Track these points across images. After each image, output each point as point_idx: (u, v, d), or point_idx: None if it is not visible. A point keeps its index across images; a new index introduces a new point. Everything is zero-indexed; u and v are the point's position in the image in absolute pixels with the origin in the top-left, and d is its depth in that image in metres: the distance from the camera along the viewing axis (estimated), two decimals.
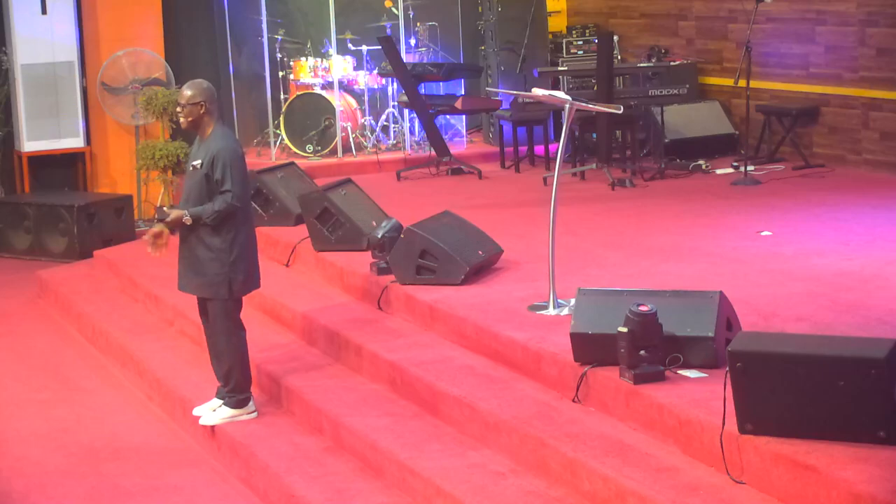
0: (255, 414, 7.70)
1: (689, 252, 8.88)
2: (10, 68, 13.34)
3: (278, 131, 13.65)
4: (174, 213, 7.40)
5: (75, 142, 13.50)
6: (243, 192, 7.41)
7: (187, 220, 7.35)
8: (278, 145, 13.72)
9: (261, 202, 10.46)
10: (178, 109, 7.49)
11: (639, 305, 6.22)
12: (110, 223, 12.58)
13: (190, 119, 7.44)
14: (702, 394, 6.00)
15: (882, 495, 4.86)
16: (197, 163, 7.42)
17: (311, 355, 8.35)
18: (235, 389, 7.65)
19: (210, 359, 7.76)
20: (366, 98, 13.96)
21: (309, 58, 13.78)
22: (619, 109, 8.33)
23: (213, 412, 7.70)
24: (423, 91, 13.08)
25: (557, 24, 14.91)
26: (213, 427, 7.66)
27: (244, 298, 7.73)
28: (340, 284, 9.16)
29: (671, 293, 6.61)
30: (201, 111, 7.41)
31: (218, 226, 7.36)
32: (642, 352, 6.22)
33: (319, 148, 13.49)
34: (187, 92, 7.44)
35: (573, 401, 6.56)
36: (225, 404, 7.68)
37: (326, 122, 13.49)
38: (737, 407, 5.48)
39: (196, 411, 7.81)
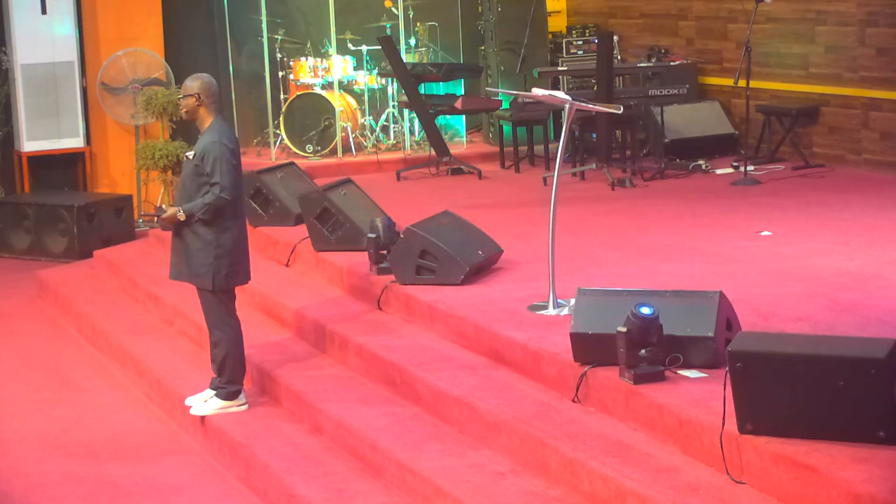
0: (245, 406, 7.78)
1: (689, 252, 8.88)
2: (10, 68, 13.35)
3: (278, 131, 13.65)
4: (169, 211, 7.59)
5: (75, 142, 13.50)
6: (232, 186, 7.50)
7: (181, 216, 7.52)
8: (278, 145, 13.72)
9: (261, 202, 10.47)
10: (178, 101, 7.61)
11: (640, 307, 6.22)
12: (110, 223, 12.58)
13: (185, 111, 7.66)
14: (702, 394, 6.00)
15: (882, 495, 4.86)
16: (190, 154, 7.63)
17: (309, 354, 8.35)
18: (228, 380, 7.72)
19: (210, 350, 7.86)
20: (366, 98, 13.96)
21: (309, 58, 13.78)
22: (619, 109, 8.34)
23: (204, 402, 7.79)
24: (423, 91, 13.08)
25: (557, 24, 14.91)
26: (203, 418, 7.74)
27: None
28: (340, 284, 9.16)
29: (671, 293, 6.60)
30: (196, 103, 7.59)
31: (209, 219, 7.46)
32: (642, 351, 6.22)
33: (319, 148, 13.49)
34: (185, 84, 7.66)
35: (573, 401, 6.56)
36: (216, 395, 7.77)
37: (326, 122, 13.49)
38: (737, 407, 5.48)
39: (188, 401, 7.89)
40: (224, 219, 7.52)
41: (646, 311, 6.19)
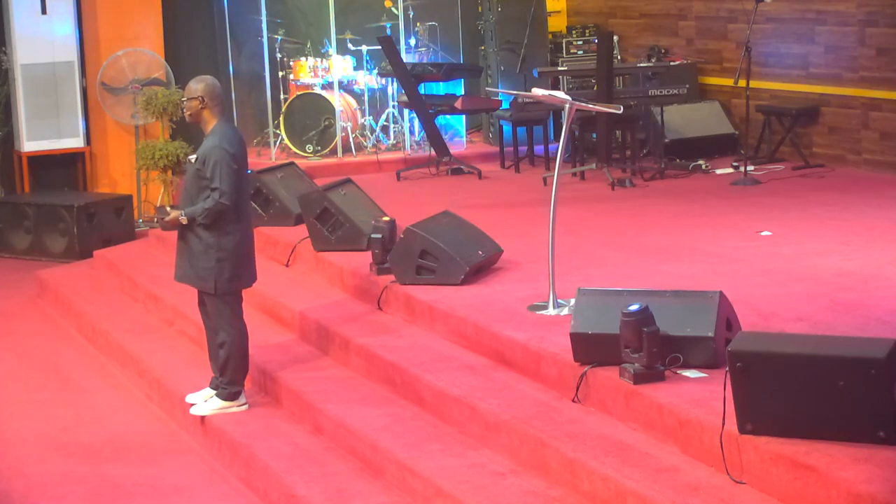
0: (245, 406, 7.78)
1: (689, 252, 8.88)
2: (10, 68, 13.35)
3: (278, 131, 13.65)
4: (172, 214, 7.57)
5: (75, 142, 13.51)
6: (233, 191, 7.44)
7: (183, 219, 7.51)
8: (278, 145, 13.72)
9: (261, 202, 10.46)
10: (180, 102, 7.61)
11: (629, 307, 6.25)
12: (110, 223, 12.58)
13: (189, 113, 7.62)
14: (702, 394, 6.00)
15: (882, 495, 4.86)
16: (193, 157, 7.60)
17: (310, 355, 8.35)
18: (229, 381, 7.72)
19: (208, 350, 7.83)
20: (366, 98, 13.96)
21: (309, 58, 13.78)
22: (619, 109, 8.33)
23: (204, 402, 7.79)
24: (423, 91, 13.08)
25: (557, 24, 14.91)
26: (203, 418, 7.74)
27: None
28: (340, 284, 9.16)
29: (671, 293, 6.61)
30: (199, 106, 7.55)
31: (210, 223, 7.43)
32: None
33: (319, 148, 13.49)
34: (189, 86, 7.61)
35: (573, 401, 6.56)
36: (217, 395, 7.77)
37: (326, 122, 13.49)
38: (737, 407, 5.48)
39: (189, 398, 7.90)
40: (226, 223, 7.48)
41: (634, 307, 6.22)
